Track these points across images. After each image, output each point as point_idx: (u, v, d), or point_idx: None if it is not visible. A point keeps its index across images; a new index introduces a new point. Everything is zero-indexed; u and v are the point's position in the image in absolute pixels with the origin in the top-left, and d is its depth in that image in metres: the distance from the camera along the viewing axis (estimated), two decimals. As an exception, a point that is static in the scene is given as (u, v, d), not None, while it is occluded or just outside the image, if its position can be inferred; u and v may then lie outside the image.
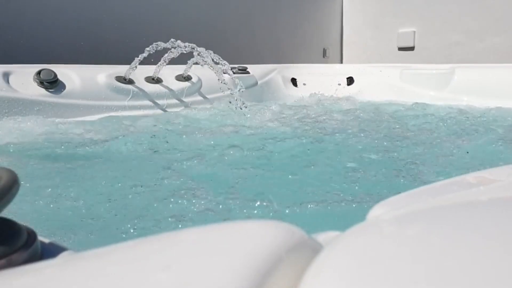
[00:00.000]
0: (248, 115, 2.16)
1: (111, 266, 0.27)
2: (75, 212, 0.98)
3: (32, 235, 0.44)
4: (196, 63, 2.36)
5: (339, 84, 3.32)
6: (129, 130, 1.81)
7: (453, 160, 1.40)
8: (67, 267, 0.29)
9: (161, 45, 2.21)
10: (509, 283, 0.21)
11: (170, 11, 3.38)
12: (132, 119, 2.13)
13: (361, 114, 2.30)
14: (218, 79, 2.24)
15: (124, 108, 2.34)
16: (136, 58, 2.27)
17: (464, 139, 1.69)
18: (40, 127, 1.83)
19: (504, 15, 3.80)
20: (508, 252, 0.24)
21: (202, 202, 1.03)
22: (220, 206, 1.03)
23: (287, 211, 0.99)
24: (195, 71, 2.65)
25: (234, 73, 2.53)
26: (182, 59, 2.37)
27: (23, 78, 2.10)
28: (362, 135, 1.77)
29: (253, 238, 0.28)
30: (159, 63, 2.39)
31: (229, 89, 2.23)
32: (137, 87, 2.44)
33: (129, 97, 2.38)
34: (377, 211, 0.42)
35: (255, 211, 1.00)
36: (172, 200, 1.05)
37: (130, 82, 2.42)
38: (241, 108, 2.20)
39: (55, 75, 2.16)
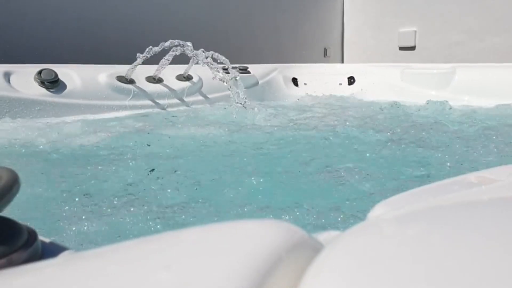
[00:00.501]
0: (249, 115, 2.16)
1: (112, 266, 0.27)
2: (75, 212, 0.98)
3: (32, 235, 0.44)
4: (197, 63, 2.36)
5: (340, 84, 3.32)
6: (129, 130, 1.81)
7: (453, 160, 1.40)
8: (68, 266, 0.29)
9: (172, 47, 2.21)
10: (510, 283, 0.21)
11: (170, 11, 3.38)
12: (133, 118, 2.13)
13: (362, 114, 2.30)
14: (221, 80, 2.24)
15: (125, 108, 2.35)
16: (137, 58, 2.27)
17: (465, 138, 1.69)
18: (41, 127, 1.83)
19: (505, 15, 3.80)
20: (509, 252, 0.24)
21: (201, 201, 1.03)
22: (222, 206, 1.03)
23: (286, 210, 0.99)
24: (196, 71, 2.65)
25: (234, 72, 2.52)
26: (183, 59, 2.37)
27: (24, 78, 2.10)
28: (362, 134, 1.77)
29: (253, 238, 0.28)
30: (160, 63, 2.39)
31: (229, 88, 2.23)
32: (138, 87, 2.44)
33: (130, 97, 2.38)
34: (378, 211, 0.42)
35: (257, 210, 1.00)
36: (172, 200, 1.05)
37: (131, 82, 2.42)
38: (245, 107, 2.19)
39: (56, 75, 2.16)
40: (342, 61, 4.89)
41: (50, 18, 2.79)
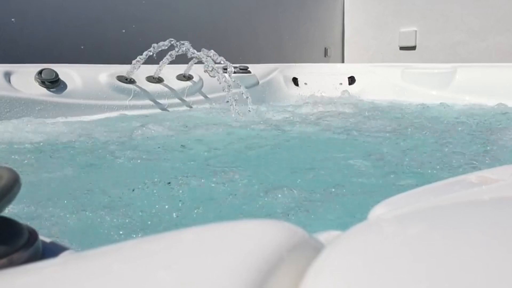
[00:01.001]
0: (250, 115, 2.16)
1: (112, 266, 0.27)
2: (76, 211, 0.98)
3: (33, 235, 0.44)
4: (200, 62, 2.36)
5: (341, 84, 3.32)
6: (130, 130, 1.81)
7: (453, 159, 1.40)
8: (68, 266, 0.29)
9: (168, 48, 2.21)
10: (511, 282, 0.21)
11: (171, 11, 3.38)
12: (134, 118, 2.13)
13: (362, 114, 2.30)
14: (218, 81, 2.24)
15: (125, 107, 2.35)
16: (138, 57, 2.27)
17: (465, 138, 1.69)
18: (42, 127, 1.83)
19: (506, 14, 3.80)
20: (510, 251, 0.24)
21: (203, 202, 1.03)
22: (223, 206, 1.03)
23: (291, 209, 0.99)
24: (196, 71, 2.65)
25: (235, 72, 2.52)
26: (183, 58, 2.37)
27: (24, 78, 2.10)
28: (363, 134, 1.77)
29: (254, 238, 0.28)
30: (161, 62, 2.40)
31: (229, 87, 2.23)
32: (138, 86, 2.44)
33: (131, 96, 2.38)
34: (379, 211, 0.42)
35: (259, 210, 1.00)
36: (173, 200, 1.05)
37: (132, 81, 2.42)
38: (249, 110, 2.19)
39: (57, 75, 2.17)
40: (343, 61, 4.89)
41: (51, 17, 2.79)
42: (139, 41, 2.46)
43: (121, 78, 2.40)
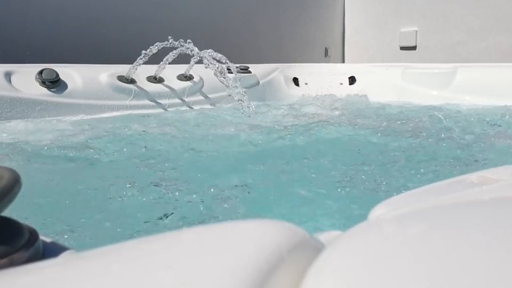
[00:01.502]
0: (251, 114, 2.16)
1: (113, 266, 0.27)
2: (76, 211, 0.98)
3: (33, 235, 0.44)
4: (200, 62, 2.36)
5: (341, 84, 3.31)
6: (131, 130, 1.81)
7: (454, 159, 1.40)
8: (69, 266, 0.29)
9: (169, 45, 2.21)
10: (511, 282, 0.21)
11: (171, 10, 3.39)
12: (134, 118, 2.13)
13: (363, 114, 2.30)
14: (222, 81, 2.23)
15: (126, 107, 2.35)
16: (139, 58, 2.27)
17: (466, 138, 1.69)
18: (42, 127, 1.83)
19: (506, 14, 3.80)
20: (510, 251, 0.24)
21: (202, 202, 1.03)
22: (226, 205, 1.03)
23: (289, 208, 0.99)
24: (196, 71, 2.65)
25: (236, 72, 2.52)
26: (183, 58, 2.37)
27: (25, 78, 2.10)
28: (363, 134, 1.77)
29: (254, 238, 0.28)
30: (161, 62, 2.40)
31: (228, 87, 2.23)
32: (138, 86, 2.44)
33: (131, 96, 2.38)
34: (379, 211, 0.42)
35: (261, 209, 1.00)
36: (172, 200, 1.05)
37: (132, 81, 2.42)
38: (249, 107, 2.19)
39: (57, 75, 2.17)
40: (343, 61, 4.89)
41: (51, 17, 2.79)
42: (139, 41, 2.45)
43: (122, 78, 2.40)
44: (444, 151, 1.51)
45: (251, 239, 0.28)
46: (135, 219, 0.95)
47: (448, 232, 0.28)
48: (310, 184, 1.18)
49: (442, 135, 1.73)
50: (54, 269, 0.29)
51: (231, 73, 2.37)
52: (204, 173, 1.25)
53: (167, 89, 2.55)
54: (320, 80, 3.28)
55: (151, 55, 2.24)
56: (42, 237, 0.45)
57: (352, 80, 3.38)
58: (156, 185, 1.13)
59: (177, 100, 2.57)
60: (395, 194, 0.47)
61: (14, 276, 0.28)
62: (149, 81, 2.51)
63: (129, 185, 1.12)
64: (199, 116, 2.27)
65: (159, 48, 2.22)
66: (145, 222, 0.94)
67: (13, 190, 0.42)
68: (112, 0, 3.07)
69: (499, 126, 1.96)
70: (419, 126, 1.96)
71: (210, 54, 2.24)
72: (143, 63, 2.30)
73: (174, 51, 2.28)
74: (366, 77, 3.34)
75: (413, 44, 4.35)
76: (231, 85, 2.23)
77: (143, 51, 2.23)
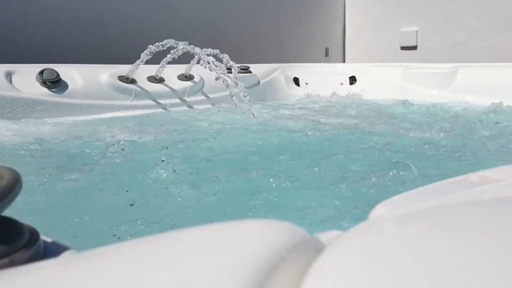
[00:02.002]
0: (252, 114, 2.16)
1: (113, 266, 0.27)
2: (76, 211, 0.98)
3: (34, 234, 0.44)
4: (198, 62, 2.36)
5: (342, 84, 3.31)
6: (131, 130, 1.81)
7: (455, 159, 1.40)
8: (69, 266, 0.29)
9: (170, 43, 2.21)
10: (511, 282, 0.21)
11: (172, 10, 3.39)
12: (135, 118, 2.13)
13: (363, 114, 2.30)
14: (219, 79, 2.23)
15: (126, 107, 2.35)
16: (139, 58, 2.27)
17: (467, 138, 1.68)
18: (43, 127, 1.83)
19: (506, 14, 3.79)
20: (510, 252, 0.24)
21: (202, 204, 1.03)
22: (226, 205, 1.03)
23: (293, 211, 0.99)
24: (197, 71, 2.65)
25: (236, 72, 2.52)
26: (184, 58, 2.37)
27: (25, 78, 2.11)
28: (364, 134, 1.77)
29: (255, 238, 0.28)
30: (162, 62, 2.40)
31: (229, 87, 2.23)
32: (139, 86, 2.44)
33: (132, 96, 2.38)
34: (380, 211, 0.42)
35: (261, 210, 1.00)
36: (172, 200, 1.05)
37: (133, 81, 2.43)
38: (250, 110, 2.19)
39: (58, 75, 2.17)
40: (344, 61, 4.88)
41: (52, 17, 2.79)
42: (140, 41, 2.46)
43: (122, 78, 2.40)
44: (445, 150, 1.51)
45: (251, 239, 0.28)
46: (135, 219, 0.95)
47: (449, 232, 0.28)
48: (311, 183, 1.18)
49: (443, 135, 1.73)
50: (55, 269, 0.29)
51: (231, 72, 2.37)
52: (204, 173, 1.25)
53: (167, 89, 2.55)
54: (321, 80, 3.28)
55: (152, 55, 2.24)
56: (42, 237, 0.45)
57: (352, 80, 3.37)
58: (158, 185, 1.13)
59: (177, 100, 2.57)
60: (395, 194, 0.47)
61: (15, 276, 0.28)
62: (149, 81, 2.51)
63: (130, 186, 1.12)
64: (199, 115, 2.27)
65: (159, 49, 2.22)
66: (146, 222, 0.94)
67: (13, 190, 0.42)
68: (112, 0, 3.07)
69: (500, 125, 1.95)
70: (419, 126, 1.96)
71: (210, 53, 2.24)
72: (144, 63, 2.30)
73: (174, 51, 2.28)
74: (367, 77, 3.34)
75: (413, 44, 4.35)
76: (231, 85, 2.23)
77: (142, 54, 2.23)
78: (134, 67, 2.34)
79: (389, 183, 1.18)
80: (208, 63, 2.21)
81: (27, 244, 0.42)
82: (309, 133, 1.82)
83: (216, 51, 2.26)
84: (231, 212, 1.01)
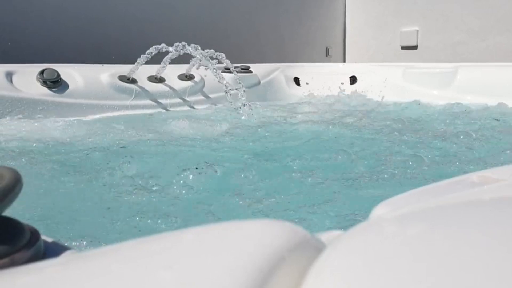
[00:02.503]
0: (252, 114, 2.16)
1: (114, 266, 0.27)
2: (76, 211, 0.98)
3: (35, 234, 0.44)
4: (200, 64, 2.36)
5: (342, 83, 3.31)
6: (132, 130, 1.82)
7: (455, 159, 1.40)
8: (70, 266, 0.29)
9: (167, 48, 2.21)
10: (511, 283, 0.21)
11: (172, 10, 3.39)
12: (135, 118, 2.13)
13: (364, 114, 2.30)
14: (219, 81, 2.23)
15: (127, 107, 2.35)
16: (139, 58, 2.27)
17: (467, 138, 1.68)
18: (43, 127, 1.83)
19: (506, 14, 3.79)
20: (511, 252, 0.24)
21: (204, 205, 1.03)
22: (227, 205, 1.03)
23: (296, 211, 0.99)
24: (197, 71, 2.65)
25: (236, 72, 2.53)
26: (185, 58, 2.37)
27: (26, 78, 2.11)
28: (364, 134, 1.77)
29: (255, 238, 0.28)
30: (162, 62, 2.40)
31: (228, 87, 2.23)
32: (140, 86, 2.44)
33: (132, 96, 2.39)
34: (380, 210, 0.42)
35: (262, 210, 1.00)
36: (172, 199, 1.05)
37: (133, 81, 2.43)
38: (251, 108, 2.19)
39: (58, 75, 2.17)
40: (344, 61, 4.88)
41: (52, 17, 2.80)
42: (140, 41, 2.46)
43: (123, 78, 2.40)
44: (445, 150, 1.51)
45: (252, 239, 0.28)
46: (135, 220, 0.95)
47: (449, 232, 0.28)
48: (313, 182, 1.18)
49: (443, 135, 1.73)
50: (55, 269, 0.29)
51: (230, 72, 2.37)
52: (204, 173, 1.25)
53: (168, 89, 2.55)
54: (321, 80, 3.28)
55: (153, 55, 2.24)
56: (43, 237, 0.45)
57: (353, 79, 3.37)
58: (156, 186, 1.13)
59: (178, 100, 2.57)
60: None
61: (15, 276, 0.28)
62: (150, 81, 2.51)
63: (130, 186, 1.12)
64: (200, 115, 2.27)
65: (159, 50, 2.22)
66: (145, 223, 0.94)
67: (14, 190, 0.42)
68: (112, 0, 3.07)
69: (500, 125, 1.95)
70: (420, 125, 1.96)
71: (207, 53, 2.24)
72: (144, 63, 2.31)
73: (172, 52, 2.28)
74: (367, 76, 3.34)
75: (414, 44, 4.35)
76: (229, 85, 2.23)
77: (143, 55, 2.23)
78: (134, 67, 2.34)
79: (390, 182, 1.18)
80: (207, 67, 2.21)
81: (28, 244, 0.42)
82: (310, 133, 1.82)
83: (211, 51, 2.26)
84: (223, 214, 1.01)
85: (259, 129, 1.87)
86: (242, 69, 2.96)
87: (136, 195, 1.08)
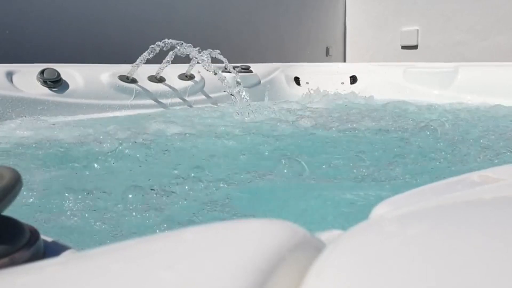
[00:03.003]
0: (252, 114, 2.16)
1: (114, 265, 0.27)
2: (76, 211, 0.98)
3: (34, 234, 0.44)
4: (199, 63, 2.36)
5: (342, 83, 3.31)
6: (132, 130, 1.82)
7: (456, 159, 1.40)
8: (70, 265, 0.29)
9: (170, 43, 2.21)
10: (511, 283, 0.21)
11: (173, 10, 3.39)
12: (135, 118, 2.13)
13: (364, 113, 2.30)
14: (219, 79, 2.24)
15: (127, 107, 2.35)
16: (139, 58, 2.27)
17: (467, 137, 1.68)
18: (44, 126, 1.83)
19: (507, 14, 3.79)
20: (511, 252, 0.24)
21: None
22: (227, 205, 1.03)
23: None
24: (197, 70, 2.65)
25: (237, 72, 2.52)
26: (185, 58, 2.37)
27: (26, 78, 2.11)
28: (364, 133, 1.77)
29: (255, 237, 0.28)
30: (162, 62, 2.40)
31: (228, 88, 2.23)
32: (140, 86, 2.44)
33: (133, 96, 2.39)
34: (380, 210, 0.42)
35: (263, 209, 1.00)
36: (172, 199, 1.05)
37: (133, 81, 2.43)
38: (251, 108, 2.19)
39: (59, 75, 2.17)
40: (344, 60, 4.88)
41: (53, 17, 2.80)
42: (140, 40, 2.46)
43: (123, 78, 2.40)
44: (446, 150, 1.51)
45: (252, 239, 0.28)
46: (135, 221, 0.95)
47: (449, 232, 0.28)
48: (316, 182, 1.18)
49: (444, 135, 1.72)
50: (55, 269, 0.29)
51: (229, 72, 2.37)
52: (202, 173, 1.25)
53: (168, 89, 2.55)
54: (322, 80, 3.28)
55: (152, 55, 2.24)
56: (43, 237, 0.45)
57: (353, 79, 3.37)
58: (156, 186, 1.13)
59: (178, 100, 2.58)
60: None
61: (15, 275, 0.28)
62: (150, 80, 2.51)
63: (130, 186, 1.12)
64: (200, 115, 2.27)
65: (158, 50, 2.22)
66: (145, 223, 0.94)
67: (14, 189, 0.42)
68: (112, 0, 3.07)
69: (500, 125, 1.95)
70: (420, 125, 1.95)
71: (208, 53, 2.24)
72: (144, 63, 2.31)
73: (175, 50, 2.28)
74: (368, 76, 3.34)
75: (414, 43, 4.34)
76: (228, 85, 2.23)
77: (143, 55, 2.24)
78: (134, 66, 2.34)
79: (391, 182, 1.18)
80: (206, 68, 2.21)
81: (28, 244, 0.42)
82: (310, 132, 1.82)
83: (209, 50, 2.26)
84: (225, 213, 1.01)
85: (259, 129, 1.87)
86: (242, 68, 2.96)
87: (136, 195, 1.08)
